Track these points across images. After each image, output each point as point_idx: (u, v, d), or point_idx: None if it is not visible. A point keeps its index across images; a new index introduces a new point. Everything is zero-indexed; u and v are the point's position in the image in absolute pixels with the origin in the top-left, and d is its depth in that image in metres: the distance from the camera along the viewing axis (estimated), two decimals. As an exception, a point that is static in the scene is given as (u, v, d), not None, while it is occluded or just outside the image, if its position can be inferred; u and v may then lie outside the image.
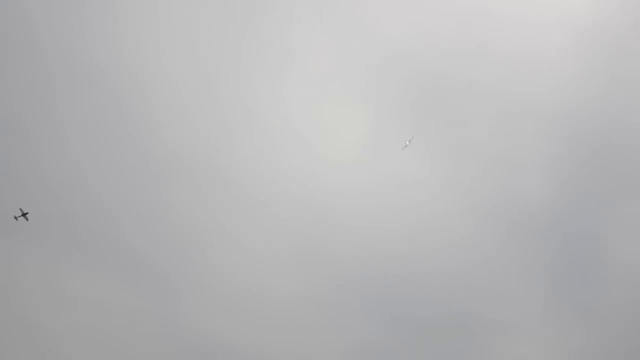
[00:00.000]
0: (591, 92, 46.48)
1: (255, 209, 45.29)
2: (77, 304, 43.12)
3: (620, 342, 46.49)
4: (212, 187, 43.25)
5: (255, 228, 46.10)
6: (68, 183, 43.64)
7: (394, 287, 46.50)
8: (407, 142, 46.75)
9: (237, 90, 45.41)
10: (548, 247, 47.13)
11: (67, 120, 43.16)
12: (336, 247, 47.41)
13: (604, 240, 48.37)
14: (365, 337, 44.56)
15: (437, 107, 44.99)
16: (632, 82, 47.41)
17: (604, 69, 47.66)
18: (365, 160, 46.00)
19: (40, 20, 42.92)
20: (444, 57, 43.84)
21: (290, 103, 46.93)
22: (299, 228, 46.53)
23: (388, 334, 44.98)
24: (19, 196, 41.86)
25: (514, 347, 45.42)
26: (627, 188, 49.27)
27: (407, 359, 44.78)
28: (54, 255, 41.86)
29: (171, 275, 43.97)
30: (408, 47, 43.33)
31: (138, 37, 42.55)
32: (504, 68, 44.49)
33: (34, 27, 42.55)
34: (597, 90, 47.33)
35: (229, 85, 46.34)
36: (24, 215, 39.21)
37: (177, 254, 45.26)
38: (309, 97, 45.89)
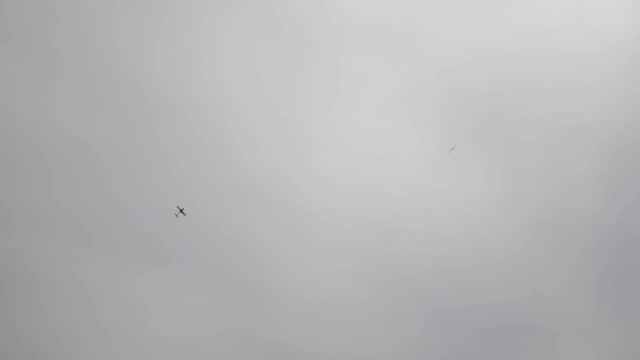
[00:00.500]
0: (634, 110, 50.01)
1: (322, 229, 49.49)
2: (169, 311, 47.90)
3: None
4: (284, 209, 47.71)
5: (322, 245, 50.31)
6: (155, 205, 48.34)
7: (454, 294, 50.24)
8: (452, 148, 49.53)
9: (301, 119, 49.83)
10: (598, 256, 50.50)
11: (152, 151, 47.85)
12: (396, 259, 51.40)
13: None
14: (423, 339, 48.84)
15: (491, 127, 48.90)
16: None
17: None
18: (424, 179, 49.87)
19: (128, 59, 47.90)
20: (497, 83, 47.89)
21: (350, 128, 51.23)
22: (362, 243, 50.68)
23: (445, 335, 49.01)
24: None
25: (569, 347, 49.19)
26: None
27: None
28: (146, 266, 46.66)
29: (252, 288, 48.22)
30: (465, 76, 47.48)
31: (215, 74, 47.36)
32: (554, 92, 48.26)
33: (123, 65, 47.57)
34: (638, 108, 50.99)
35: (294, 114, 50.75)
36: (181, 211, 43.59)
37: (257, 269, 49.55)
38: (367, 120, 50.20)
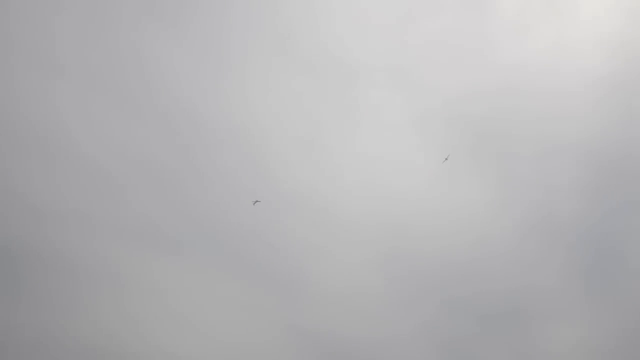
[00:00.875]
0: (610, 132, 58.86)
1: (346, 229, 58.26)
2: (221, 304, 56.69)
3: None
4: (315, 215, 56.69)
5: (346, 243, 59.13)
6: (209, 216, 57.72)
7: (457, 284, 58.37)
8: (446, 158, 56.73)
9: (324, 142, 58.67)
10: (580, 252, 58.50)
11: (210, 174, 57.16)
12: (408, 254, 60.00)
13: (623, 243, 60.35)
14: (431, 322, 57.71)
15: (487, 146, 57.74)
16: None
17: (619, 106, 60.20)
18: (430, 187, 58.64)
19: (188, 93, 57.38)
20: (491, 110, 56.74)
21: (367, 148, 60.28)
22: (379, 241, 59.43)
23: (451, 319, 57.32)
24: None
25: (556, 328, 57.59)
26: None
27: (465, 340, 58.01)
28: (204, 266, 55.76)
29: (288, 282, 57.22)
30: (464, 105, 56.25)
31: (254, 107, 56.60)
32: (540, 118, 57.08)
33: (183, 97, 56.95)
34: (615, 125, 59.74)
35: (319, 138, 59.69)
36: (256, 202, 52.57)
37: (291, 266, 58.47)
38: (382, 142, 59.13)
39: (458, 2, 57.03)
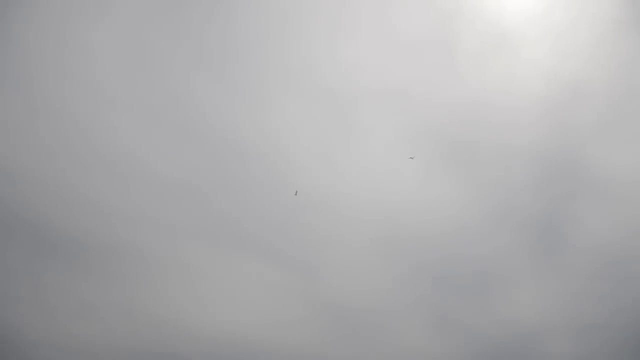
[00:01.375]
0: (549, 136, 75.28)
1: (352, 224, 73.53)
2: (258, 283, 71.81)
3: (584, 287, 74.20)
4: (326, 216, 71.98)
5: (353, 232, 74.10)
6: (250, 212, 73.13)
7: (439, 262, 73.17)
8: (412, 157, 72.26)
9: (331, 157, 74.03)
10: (532, 233, 73.67)
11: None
12: (400, 241, 74.80)
13: (563, 224, 72.96)
14: (420, 292, 72.91)
15: (460, 155, 73.04)
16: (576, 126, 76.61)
17: (555, 120, 76.49)
18: (417, 189, 74.40)
19: (226, 119, 73.18)
20: (463, 127, 72.38)
21: (367, 161, 75.68)
22: (378, 231, 74.43)
23: (435, 289, 70.39)
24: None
25: (517, 293, 71.66)
26: (581, 192, 77.90)
27: (446, 305, 73.94)
28: (239, 254, 70.71)
29: (309, 266, 72.20)
30: (442, 124, 71.61)
31: (277, 130, 72.75)
32: (500, 133, 73.04)
33: (222, 122, 72.71)
34: (553, 134, 76.14)
35: (325, 154, 75.15)
36: (296, 193, 66.86)
37: (313, 252, 72.72)
38: (379, 156, 74.98)
39: (431, 46, 73.90)
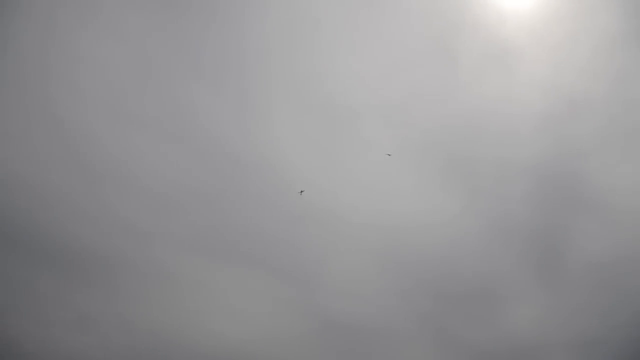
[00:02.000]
0: (546, 149, 75.49)
1: (353, 236, 73.78)
2: (257, 297, 71.50)
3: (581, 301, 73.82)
4: (328, 228, 72.20)
5: (353, 246, 73.85)
6: (248, 225, 73.10)
7: (438, 275, 72.72)
8: (388, 154, 72.23)
9: (336, 168, 74.02)
10: (530, 246, 73.35)
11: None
12: (400, 255, 75.04)
13: (560, 237, 72.41)
14: (420, 307, 72.15)
15: (457, 167, 73.36)
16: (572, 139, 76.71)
17: (551, 133, 76.90)
18: (416, 201, 74.39)
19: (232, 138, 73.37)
20: (459, 139, 72.65)
21: (367, 172, 76.17)
22: (378, 246, 74.28)
23: (436, 304, 70.56)
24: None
25: (516, 306, 69.88)
26: (581, 206, 77.85)
27: (446, 318, 72.95)
28: (243, 268, 71.03)
29: (309, 280, 71.95)
30: (439, 135, 72.11)
31: (281, 143, 73.07)
32: (496, 145, 73.22)
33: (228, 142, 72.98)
34: (549, 147, 76.34)
35: (327, 168, 75.15)
36: (301, 192, 66.93)
37: (314, 266, 72.85)
38: (379, 168, 75.22)
39: (431, 59, 74.31)
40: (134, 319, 65.72)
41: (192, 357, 64.60)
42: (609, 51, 73.27)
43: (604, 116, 74.17)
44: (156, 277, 67.47)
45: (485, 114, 73.30)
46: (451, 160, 72.47)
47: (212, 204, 70.61)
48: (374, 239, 72.97)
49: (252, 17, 72.82)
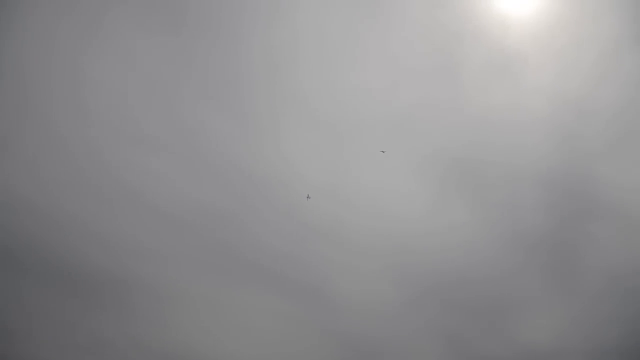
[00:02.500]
0: (556, 157, 75.10)
1: (363, 249, 73.75)
2: (267, 314, 71.59)
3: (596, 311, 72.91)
4: (337, 239, 72.54)
5: (362, 259, 73.89)
6: (256, 242, 73.25)
7: (450, 287, 72.08)
8: (384, 152, 72.70)
9: (347, 182, 74.60)
10: (543, 255, 73.38)
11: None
12: (413, 266, 74.85)
13: (574, 246, 72.25)
14: (432, 319, 71.86)
15: (468, 178, 73.18)
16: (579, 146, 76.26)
17: (560, 140, 76.48)
18: (427, 212, 74.17)
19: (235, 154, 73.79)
20: (470, 152, 72.47)
21: (377, 186, 75.98)
22: (390, 257, 74.16)
23: (446, 314, 70.05)
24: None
25: (531, 317, 69.95)
26: (592, 213, 77.16)
27: (460, 331, 72.24)
28: (256, 288, 71.19)
29: (318, 295, 71.93)
30: (450, 149, 72.42)
31: (294, 165, 73.37)
32: (506, 155, 73.25)
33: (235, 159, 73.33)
34: (559, 155, 75.87)
35: (339, 182, 75.41)
36: (308, 197, 67.84)
37: (322, 281, 72.92)
38: (390, 181, 75.03)
39: (434, 69, 74.41)
40: (148, 341, 66.00)
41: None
42: (615, 55, 72.93)
43: (612, 121, 73.75)
44: (169, 298, 67.81)
45: (492, 122, 73.09)
46: (460, 170, 72.33)
47: (223, 222, 70.93)
48: (383, 251, 72.86)
49: (257, 35, 73.43)
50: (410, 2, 72.97)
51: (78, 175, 70.42)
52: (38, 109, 71.90)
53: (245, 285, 70.11)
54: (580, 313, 69.16)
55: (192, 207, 69.94)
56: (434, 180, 71.85)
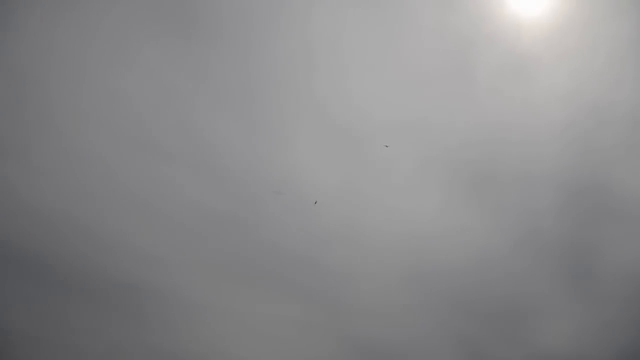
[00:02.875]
0: (571, 159, 74.20)
1: (378, 253, 73.36)
2: (283, 321, 71.51)
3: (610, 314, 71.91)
4: (355, 244, 72.27)
5: (378, 263, 73.58)
6: (272, 249, 73.18)
7: (465, 290, 71.98)
8: (386, 146, 72.11)
9: (359, 189, 74.29)
10: (560, 260, 73.21)
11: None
12: (428, 270, 73.89)
13: (597, 249, 71.34)
14: (446, 321, 71.80)
15: (479, 182, 73.02)
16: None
17: (574, 141, 75.38)
18: (439, 218, 73.88)
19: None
20: (480, 154, 72.11)
21: (386, 189, 76.07)
22: (405, 261, 73.51)
23: (458, 319, 70.29)
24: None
25: (547, 322, 69.01)
26: (610, 216, 76.14)
27: (473, 335, 72.22)
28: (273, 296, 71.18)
29: (337, 301, 71.85)
30: (460, 151, 72.38)
31: (307, 171, 73.18)
32: (518, 158, 72.55)
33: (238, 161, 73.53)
34: (574, 157, 75.01)
35: (355, 186, 74.99)
36: (279, 192, 67.09)
37: (341, 287, 72.83)
38: (400, 184, 74.92)
39: (447, 73, 73.95)
40: (160, 346, 66.03)
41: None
42: (632, 59, 72.13)
43: (628, 122, 72.92)
44: (185, 306, 67.72)
45: (506, 126, 72.45)
46: (475, 176, 71.63)
47: (237, 229, 70.69)
48: (398, 257, 72.38)
49: (268, 43, 73.24)
50: (424, 8, 72.64)
51: (89, 185, 70.79)
52: (44, 114, 72.26)
53: (258, 291, 69.93)
54: (602, 318, 68.58)
55: (205, 214, 69.87)
56: (449, 183, 71.12)
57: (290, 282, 71.00)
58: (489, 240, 71.35)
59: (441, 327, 69.69)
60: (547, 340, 69.36)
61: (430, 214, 71.67)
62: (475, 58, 73.20)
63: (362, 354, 69.06)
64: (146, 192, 69.71)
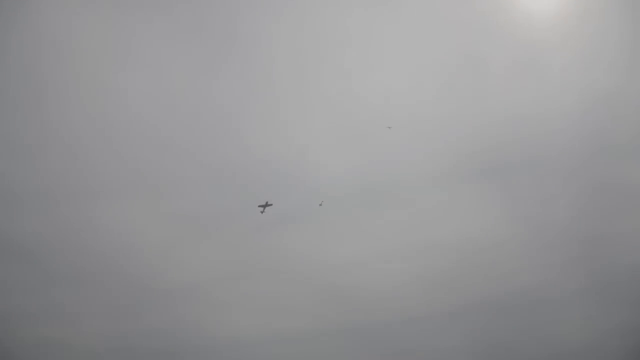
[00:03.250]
0: (584, 152, 74.30)
1: (398, 253, 74.11)
2: (300, 314, 72.32)
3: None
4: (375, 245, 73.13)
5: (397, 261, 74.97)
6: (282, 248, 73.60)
7: (479, 281, 71.44)
8: (389, 127, 70.15)
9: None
10: (571, 250, 70.41)
11: None
12: (445, 262, 72.86)
13: (610, 243, 71.69)
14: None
15: (490, 172, 72.91)
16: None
17: (589, 135, 74.90)
18: (453, 212, 74.06)
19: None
20: (491, 144, 72.01)
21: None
22: (429, 267, 72.64)
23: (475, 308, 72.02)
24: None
25: (557, 313, 68.80)
26: (624, 208, 75.76)
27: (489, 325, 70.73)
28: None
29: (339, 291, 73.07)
30: (472, 141, 72.24)
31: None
32: (530, 148, 72.76)
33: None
34: (588, 150, 74.96)
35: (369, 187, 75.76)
36: (265, 205, 66.30)
37: (343, 284, 73.81)
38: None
39: (460, 69, 73.75)
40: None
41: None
42: (640, 46, 71.33)
43: (641, 113, 72.30)
44: (205, 302, 68.80)
45: (520, 118, 72.29)
46: (489, 168, 71.60)
47: (251, 226, 71.23)
48: (414, 248, 72.49)
49: (281, 39, 73.27)
50: (435, 1, 72.05)
51: (104, 180, 71.66)
52: (62, 116, 72.77)
53: (276, 289, 70.52)
54: (616, 308, 66.88)
55: (219, 211, 70.46)
56: (464, 179, 71.00)
57: (306, 281, 70.42)
58: (502, 230, 69.56)
59: (462, 325, 68.16)
60: (562, 329, 65.74)
61: (444, 210, 71.24)
62: (488, 52, 72.57)
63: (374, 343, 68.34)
64: (161, 189, 70.11)
